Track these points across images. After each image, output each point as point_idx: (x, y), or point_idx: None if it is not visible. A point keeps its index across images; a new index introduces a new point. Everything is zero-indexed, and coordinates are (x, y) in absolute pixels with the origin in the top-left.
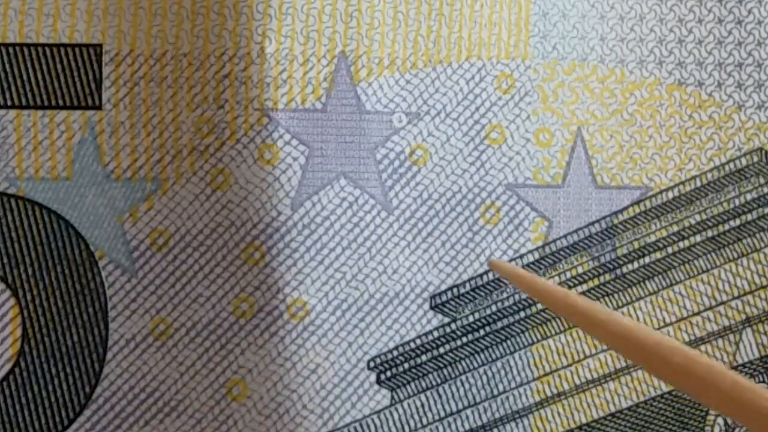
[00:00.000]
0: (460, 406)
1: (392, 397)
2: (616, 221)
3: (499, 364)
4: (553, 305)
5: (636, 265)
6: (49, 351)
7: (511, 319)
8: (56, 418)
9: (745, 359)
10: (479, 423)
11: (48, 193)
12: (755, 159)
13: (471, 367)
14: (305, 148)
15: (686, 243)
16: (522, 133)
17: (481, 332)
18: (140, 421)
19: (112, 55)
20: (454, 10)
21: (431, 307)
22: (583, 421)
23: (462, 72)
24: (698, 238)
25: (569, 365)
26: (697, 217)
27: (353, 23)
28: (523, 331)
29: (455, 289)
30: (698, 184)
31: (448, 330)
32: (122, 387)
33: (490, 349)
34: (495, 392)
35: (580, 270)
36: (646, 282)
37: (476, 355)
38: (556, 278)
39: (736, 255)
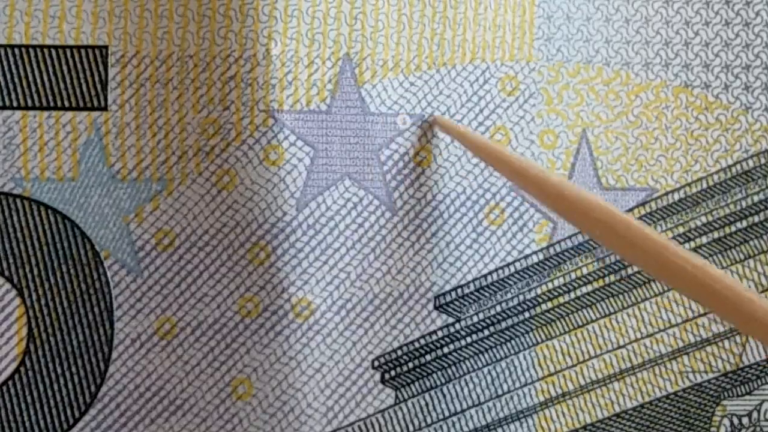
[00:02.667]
0: (464, 406)
1: (396, 397)
2: None
3: (503, 364)
4: (490, 159)
5: None
6: (54, 350)
7: (516, 320)
8: (62, 417)
9: (752, 360)
10: (483, 423)
11: (54, 193)
12: (762, 161)
13: (475, 366)
14: (310, 149)
15: (692, 244)
16: (526, 134)
17: (486, 332)
18: (146, 420)
19: (118, 56)
20: (458, 12)
21: (435, 307)
22: (588, 421)
23: (466, 74)
24: (704, 239)
25: (574, 365)
26: (703, 219)
27: (358, 26)
28: (527, 332)
29: (459, 290)
30: (704, 185)
31: (452, 330)
32: (128, 386)
33: (494, 349)
34: (499, 392)
35: (585, 271)
36: (652, 283)
37: (480, 355)
38: (561, 279)
39: (742, 257)
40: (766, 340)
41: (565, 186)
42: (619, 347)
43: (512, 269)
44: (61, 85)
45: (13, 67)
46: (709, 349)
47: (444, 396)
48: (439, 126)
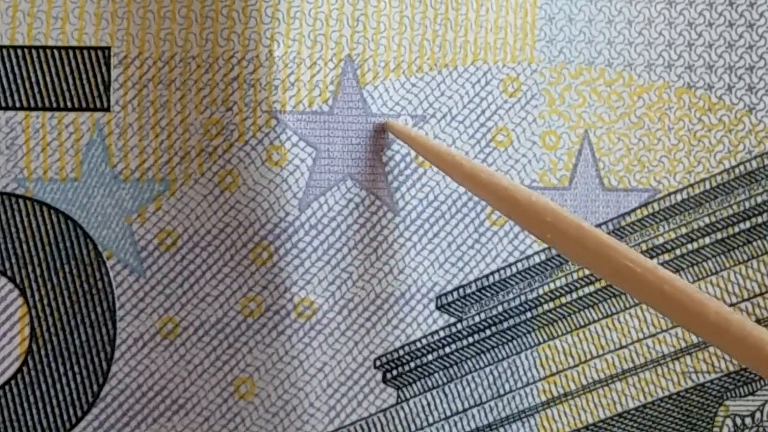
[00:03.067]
0: (466, 405)
1: (398, 396)
2: (623, 223)
3: (505, 363)
4: (441, 164)
5: None
6: (57, 350)
7: (518, 320)
8: (64, 416)
9: None
10: (485, 422)
11: (56, 193)
12: (766, 162)
13: (477, 366)
14: (312, 149)
15: (695, 245)
16: (528, 135)
17: (488, 332)
18: (148, 419)
19: (120, 57)
20: (460, 14)
21: (437, 307)
22: (590, 421)
23: (468, 75)
24: (707, 240)
25: (576, 365)
26: (706, 220)
27: (360, 27)
28: (529, 332)
29: (461, 290)
30: (707, 186)
31: (454, 330)
32: (130, 385)
33: (496, 349)
34: (501, 392)
35: (586, 271)
36: None
37: (482, 355)
38: (563, 279)
39: (745, 257)
40: (714, 341)
41: (517, 190)
42: (621, 347)
43: (514, 269)
44: (64, 86)
45: (15, 67)
46: (711, 349)
47: (446, 395)
48: (391, 130)
